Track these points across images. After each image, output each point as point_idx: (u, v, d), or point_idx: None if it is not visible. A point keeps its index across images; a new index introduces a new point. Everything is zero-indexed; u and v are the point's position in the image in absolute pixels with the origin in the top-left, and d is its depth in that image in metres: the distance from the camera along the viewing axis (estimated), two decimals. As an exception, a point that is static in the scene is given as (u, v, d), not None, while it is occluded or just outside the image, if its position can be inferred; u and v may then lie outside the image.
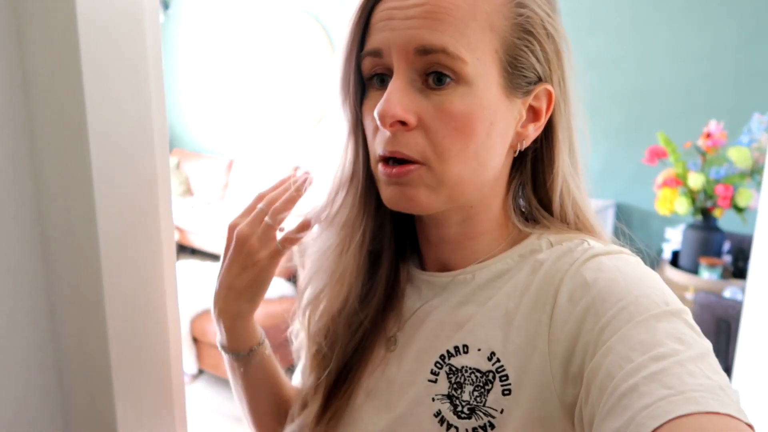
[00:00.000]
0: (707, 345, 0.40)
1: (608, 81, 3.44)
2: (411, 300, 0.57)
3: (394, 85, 0.46)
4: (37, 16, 0.55)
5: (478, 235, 0.54)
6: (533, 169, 0.55)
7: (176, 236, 4.80)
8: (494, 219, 0.54)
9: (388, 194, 0.50)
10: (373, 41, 0.47)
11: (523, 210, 0.56)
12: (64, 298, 0.62)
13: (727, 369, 1.78)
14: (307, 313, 0.60)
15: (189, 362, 2.75)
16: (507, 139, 0.50)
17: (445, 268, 0.56)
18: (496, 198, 0.54)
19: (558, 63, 0.50)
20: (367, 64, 0.49)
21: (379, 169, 0.50)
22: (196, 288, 2.88)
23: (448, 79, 0.46)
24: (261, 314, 2.81)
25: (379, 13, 0.47)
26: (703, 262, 2.23)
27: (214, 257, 4.75)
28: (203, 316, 2.72)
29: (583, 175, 0.56)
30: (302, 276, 0.61)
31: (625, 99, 3.41)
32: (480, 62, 0.46)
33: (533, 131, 0.51)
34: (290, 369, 0.69)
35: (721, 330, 1.90)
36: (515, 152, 0.53)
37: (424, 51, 0.45)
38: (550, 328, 0.46)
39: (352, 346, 0.57)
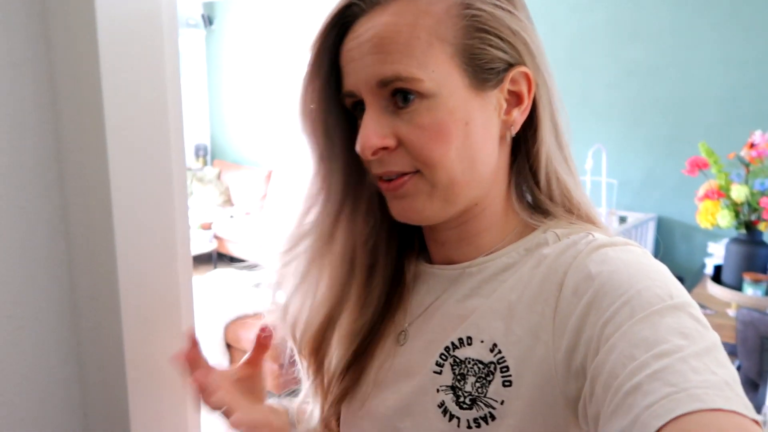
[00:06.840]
0: (714, 338, 0.39)
1: (649, 90, 3.35)
2: (420, 295, 0.59)
3: (368, 117, 0.50)
4: (61, 24, 0.59)
5: (483, 231, 0.55)
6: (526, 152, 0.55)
7: (215, 245, 4.92)
8: (498, 212, 0.55)
9: (395, 210, 0.53)
10: (346, 84, 0.52)
11: (530, 202, 0.57)
12: (84, 294, 0.65)
13: (770, 390, 1.70)
14: (301, 337, 0.62)
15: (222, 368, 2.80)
16: (491, 131, 0.51)
17: (452, 262, 0.57)
18: (499, 190, 0.54)
19: (525, 46, 0.50)
20: (347, 102, 0.53)
21: (381, 186, 0.53)
22: (231, 296, 2.95)
23: (412, 97, 0.48)
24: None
25: (344, 55, 0.51)
26: (747, 277, 2.14)
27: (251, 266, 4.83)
28: (237, 323, 2.78)
29: (571, 155, 0.56)
30: (287, 299, 0.62)
31: (667, 108, 3.31)
32: (437, 74, 0.47)
33: (519, 116, 0.52)
34: (293, 392, 0.69)
35: (765, 348, 1.81)
36: (509, 141, 0.53)
37: (383, 83, 0.48)
38: (554, 321, 0.46)
39: (355, 347, 0.59)
